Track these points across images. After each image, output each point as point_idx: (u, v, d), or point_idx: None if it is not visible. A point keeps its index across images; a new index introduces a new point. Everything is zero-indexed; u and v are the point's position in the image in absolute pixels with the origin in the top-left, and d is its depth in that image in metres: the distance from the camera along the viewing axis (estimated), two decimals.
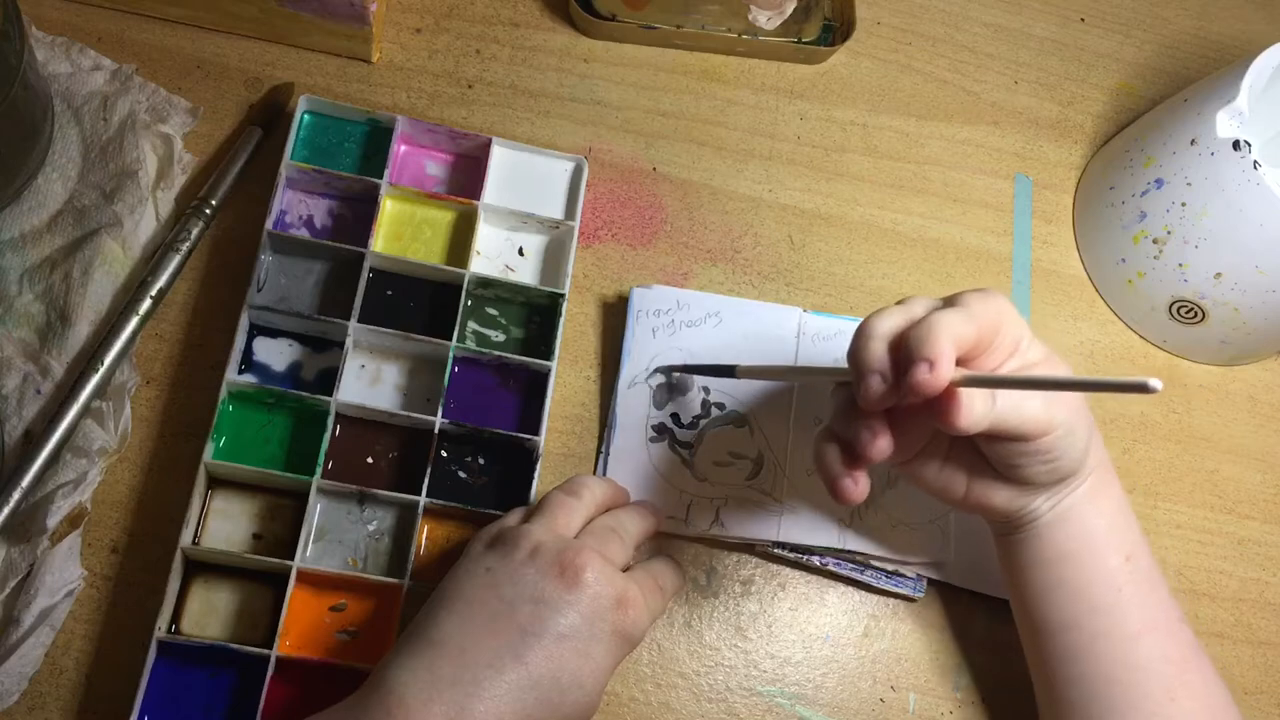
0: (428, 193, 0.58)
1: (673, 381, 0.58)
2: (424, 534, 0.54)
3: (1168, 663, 0.48)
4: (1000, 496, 0.47)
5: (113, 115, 0.58)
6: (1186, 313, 0.62)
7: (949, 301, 0.43)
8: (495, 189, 0.60)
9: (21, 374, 0.53)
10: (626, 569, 0.48)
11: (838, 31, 0.68)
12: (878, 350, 0.41)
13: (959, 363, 0.40)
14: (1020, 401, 0.42)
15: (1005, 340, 0.42)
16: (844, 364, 0.44)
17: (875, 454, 0.42)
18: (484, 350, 0.56)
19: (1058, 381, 0.38)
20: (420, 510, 0.53)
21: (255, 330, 0.56)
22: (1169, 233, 0.60)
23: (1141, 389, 0.32)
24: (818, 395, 0.58)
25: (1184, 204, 0.59)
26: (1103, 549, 0.48)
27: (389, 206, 0.59)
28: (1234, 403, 0.65)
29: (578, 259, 0.60)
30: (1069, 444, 0.44)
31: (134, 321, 0.54)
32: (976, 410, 0.40)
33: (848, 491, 0.43)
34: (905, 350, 0.40)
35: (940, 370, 0.38)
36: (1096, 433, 0.48)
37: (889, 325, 0.42)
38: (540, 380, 0.57)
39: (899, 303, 0.43)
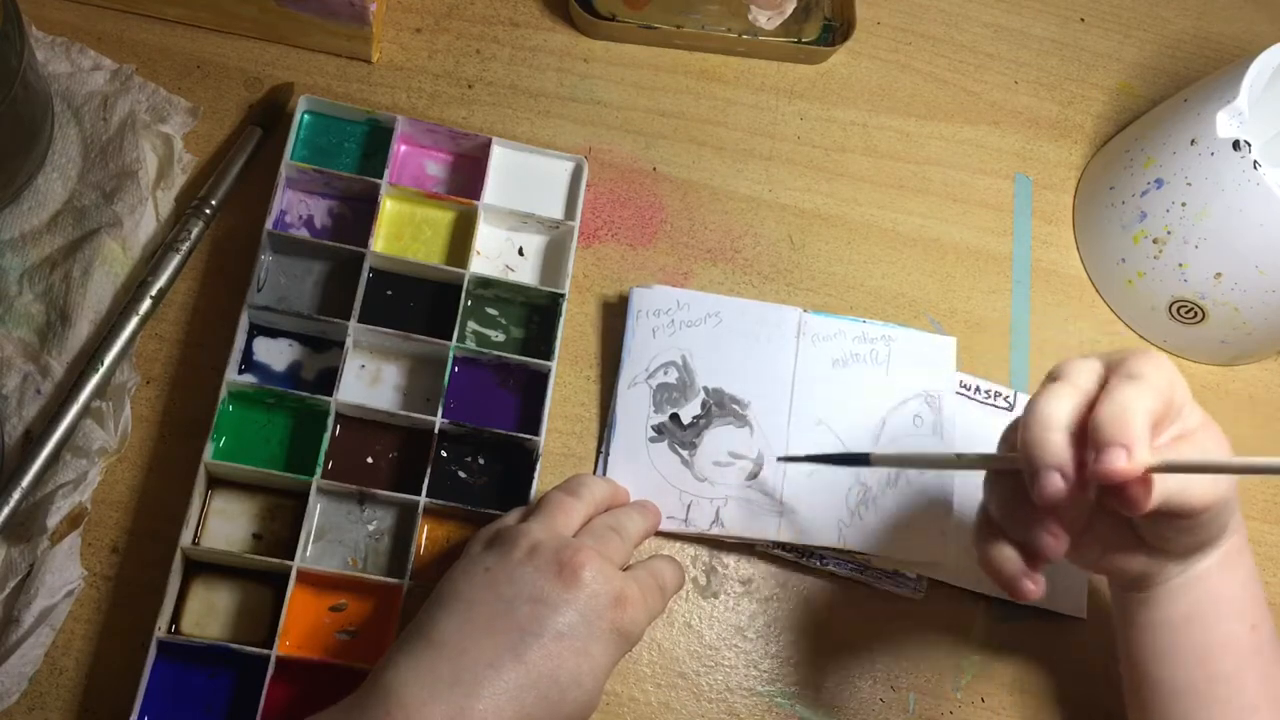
0: (428, 193, 0.59)
1: (792, 464, 0.57)
2: (424, 534, 0.54)
3: None
4: (1136, 563, 0.45)
5: (113, 115, 0.58)
6: (1186, 313, 0.62)
7: (1115, 368, 0.40)
8: (495, 189, 0.60)
9: (21, 374, 0.53)
10: (626, 568, 0.48)
11: (838, 31, 0.68)
12: (1058, 443, 0.38)
13: None
14: (1189, 478, 0.39)
15: (1173, 409, 0.40)
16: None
17: (1057, 556, 0.40)
18: (484, 350, 0.56)
19: (1255, 467, 0.36)
20: (420, 510, 0.53)
21: (255, 330, 0.56)
22: (1169, 233, 0.60)
23: None
24: (817, 396, 0.58)
25: (1184, 204, 0.59)
26: (1230, 616, 0.46)
27: (389, 206, 0.59)
28: (1234, 403, 0.65)
29: (578, 259, 0.60)
30: (1224, 517, 0.43)
31: (134, 321, 0.54)
32: (1156, 493, 0.38)
33: (1029, 594, 0.41)
34: (1094, 436, 0.37)
35: (1138, 457, 0.36)
36: (1236, 497, 0.45)
37: (1066, 411, 0.38)
38: (540, 380, 0.57)
39: (1053, 376, 0.41)
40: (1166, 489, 0.39)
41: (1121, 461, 0.36)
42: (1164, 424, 0.40)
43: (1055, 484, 0.38)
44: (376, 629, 0.52)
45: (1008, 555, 0.41)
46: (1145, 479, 0.37)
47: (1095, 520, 0.45)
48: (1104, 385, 0.40)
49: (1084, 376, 0.40)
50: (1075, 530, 0.45)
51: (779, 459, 0.56)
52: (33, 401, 0.53)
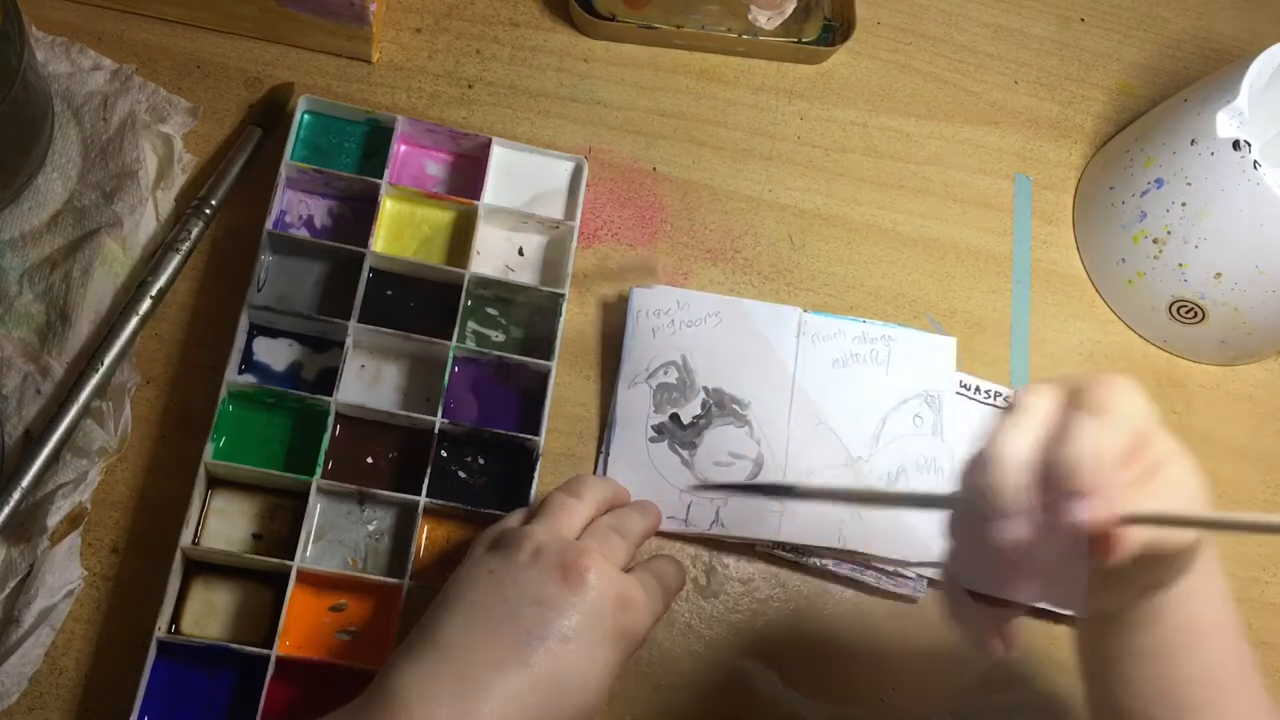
0: (428, 193, 0.58)
1: (711, 496, 0.56)
2: (424, 534, 0.54)
3: None
4: (1103, 597, 0.42)
5: (113, 115, 0.58)
6: (1186, 313, 0.62)
7: (1076, 397, 0.37)
8: (495, 189, 0.60)
9: (21, 374, 0.53)
10: (628, 569, 0.48)
11: (838, 31, 0.68)
12: (1016, 485, 0.35)
13: None
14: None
15: (1143, 441, 0.37)
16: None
17: (1023, 607, 0.39)
18: (484, 350, 0.56)
19: (1243, 523, 0.33)
20: (420, 510, 0.53)
21: (255, 330, 0.56)
22: (1169, 233, 0.60)
23: None
24: (817, 396, 0.58)
25: (1184, 204, 0.59)
26: (1202, 645, 0.44)
27: (389, 206, 0.59)
28: (1234, 403, 0.65)
29: (578, 259, 0.60)
30: (1196, 548, 0.40)
31: (134, 321, 0.54)
32: (1131, 541, 0.35)
33: (998, 652, 0.40)
34: (1063, 482, 0.34)
35: (1111, 507, 0.34)
36: None
37: (1024, 449, 0.36)
38: (540, 380, 0.57)
39: (1009, 405, 0.37)
40: (1141, 537, 0.36)
41: (1093, 513, 0.34)
42: (1134, 457, 0.37)
43: (1017, 532, 0.36)
44: (376, 629, 0.52)
45: (977, 612, 0.40)
46: (1112, 532, 0.35)
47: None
48: (1065, 413, 0.37)
49: (1039, 409, 0.37)
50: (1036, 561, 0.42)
51: (694, 487, 0.55)
52: (33, 401, 0.53)
